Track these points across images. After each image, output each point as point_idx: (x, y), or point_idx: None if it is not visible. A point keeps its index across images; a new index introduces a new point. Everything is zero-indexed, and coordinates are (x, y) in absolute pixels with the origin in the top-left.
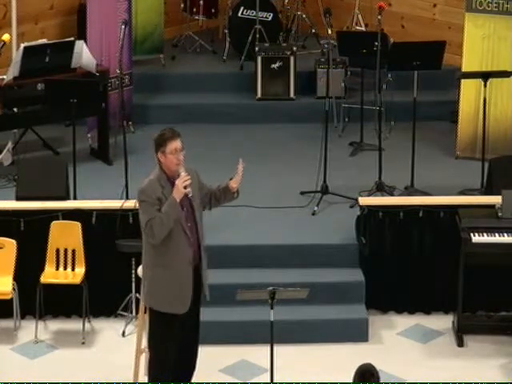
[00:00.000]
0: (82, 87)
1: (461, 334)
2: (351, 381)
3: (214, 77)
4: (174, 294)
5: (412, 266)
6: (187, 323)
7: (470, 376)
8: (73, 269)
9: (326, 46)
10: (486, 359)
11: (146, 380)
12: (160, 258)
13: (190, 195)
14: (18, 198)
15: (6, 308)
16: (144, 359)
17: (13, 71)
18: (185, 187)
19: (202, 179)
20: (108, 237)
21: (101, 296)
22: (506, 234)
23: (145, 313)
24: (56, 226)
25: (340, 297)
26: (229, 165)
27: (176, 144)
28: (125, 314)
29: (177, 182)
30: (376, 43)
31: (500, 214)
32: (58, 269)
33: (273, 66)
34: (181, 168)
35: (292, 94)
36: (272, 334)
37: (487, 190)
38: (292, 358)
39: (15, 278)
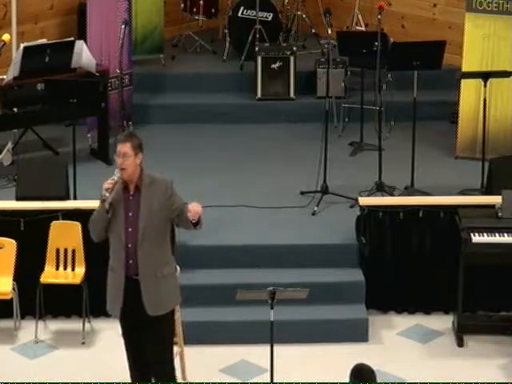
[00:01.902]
0: (82, 87)
1: (461, 334)
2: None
3: (213, 77)
4: (110, 295)
5: (412, 266)
6: (144, 336)
7: (470, 376)
8: (73, 269)
9: (326, 46)
10: (485, 359)
11: None
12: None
13: (102, 197)
14: (18, 198)
15: (6, 308)
16: None
17: (13, 71)
18: (106, 190)
19: (176, 193)
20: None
21: (101, 296)
22: (506, 234)
23: None
24: (56, 226)
25: (340, 297)
26: (229, 165)
27: (120, 147)
28: None
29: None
30: (376, 43)
31: (500, 214)
32: (58, 269)
33: (273, 65)
34: (118, 172)
35: (292, 94)
36: (272, 334)
37: (487, 190)
38: (292, 358)
39: (15, 278)
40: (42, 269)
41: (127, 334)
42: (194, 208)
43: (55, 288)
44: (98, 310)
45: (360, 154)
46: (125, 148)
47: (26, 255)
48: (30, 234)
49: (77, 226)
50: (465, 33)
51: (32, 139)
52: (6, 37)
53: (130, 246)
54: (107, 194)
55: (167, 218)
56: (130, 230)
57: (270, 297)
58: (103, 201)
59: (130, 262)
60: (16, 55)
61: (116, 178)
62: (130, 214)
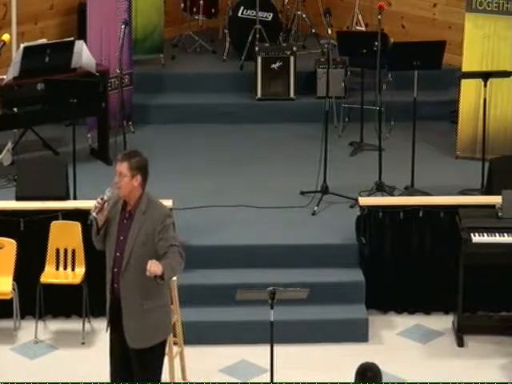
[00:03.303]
0: (82, 87)
1: (461, 334)
2: (351, 381)
3: (213, 77)
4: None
5: (412, 266)
6: (133, 361)
7: (470, 376)
8: (73, 269)
9: (326, 46)
10: (485, 359)
11: None
12: None
13: (90, 216)
14: (18, 198)
15: (6, 308)
16: None
17: (13, 71)
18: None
19: (171, 229)
20: None
21: (101, 296)
22: (506, 234)
23: None
24: (56, 226)
25: (340, 297)
26: (228, 165)
27: (117, 166)
28: None
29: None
30: (376, 43)
31: (500, 214)
32: (58, 269)
33: (273, 66)
34: (109, 191)
35: (292, 94)
36: (272, 334)
37: (487, 190)
38: (292, 358)
39: (15, 278)
40: (42, 269)
41: (111, 347)
42: (151, 268)
43: (55, 288)
44: (98, 310)
45: (360, 153)
46: (121, 168)
47: (26, 255)
48: (30, 234)
49: (77, 226)
50: (465, 33)
51: (32, 139)
52: (5, 37)
53: (115, 270)
54: (94, 214)
55: (155, 249)
56: (118, 254)
57: (270, 297)
58: (92, 221)
59: (115, 286)
60: (16, 55)
61: (106, 196)
62: (121, 238)
